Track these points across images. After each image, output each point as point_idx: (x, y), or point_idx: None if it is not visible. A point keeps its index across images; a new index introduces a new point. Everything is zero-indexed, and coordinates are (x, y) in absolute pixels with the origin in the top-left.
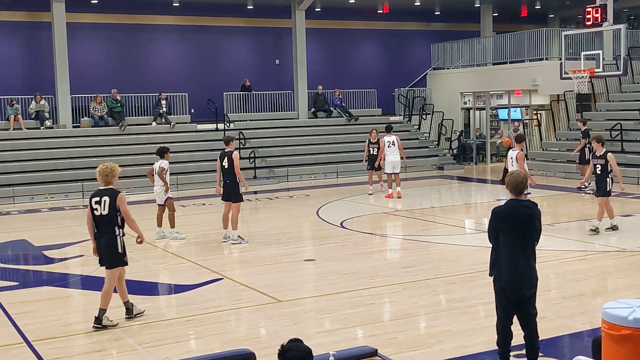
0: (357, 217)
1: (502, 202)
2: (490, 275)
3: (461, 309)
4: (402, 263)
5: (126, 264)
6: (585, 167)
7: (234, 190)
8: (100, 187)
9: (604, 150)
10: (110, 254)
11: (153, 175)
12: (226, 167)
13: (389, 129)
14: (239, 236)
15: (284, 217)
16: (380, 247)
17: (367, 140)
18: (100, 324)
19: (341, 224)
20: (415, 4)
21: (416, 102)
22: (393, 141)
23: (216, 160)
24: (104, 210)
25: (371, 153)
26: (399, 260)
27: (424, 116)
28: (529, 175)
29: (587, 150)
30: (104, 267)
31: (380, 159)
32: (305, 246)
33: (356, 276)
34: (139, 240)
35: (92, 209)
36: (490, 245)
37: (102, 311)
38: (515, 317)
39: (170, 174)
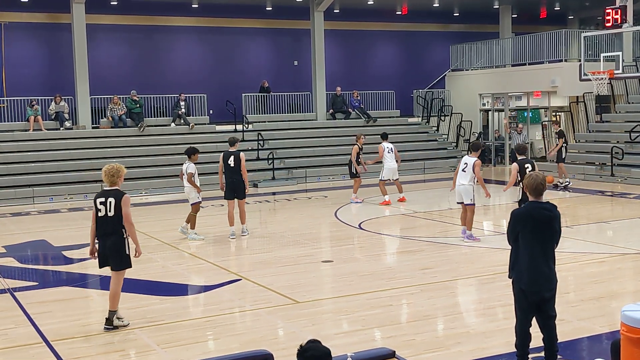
0: (375, 218)
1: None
2: (510, 277)
3: (479, 310)
4: (420, 264)
5: (130, 266)
6: (563, 166)
7: (241, 188)
8: (105, 188)
9: None
10: (118, 255)
11: (182, 176)
12: (232, 165)
13: (384, 137)
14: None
15: (302, 218)
16: (398, 249)
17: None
18: (111, 325)
19: (359, 225)
20: (434, 5)
21: (435, 104)
22: (391, 148)
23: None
24: (109, 211)
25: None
26: (417, 261)
27: (442, 118)
28: (483, 184)
29: (563, 149)
30: (108, 268)
31: (363, 165)
32: (323, 247)
33: (374, 277)
34: (136, 255)
35: (97, 210)
36: (510, 247)
37: (112, 312)
38: (534, 319)
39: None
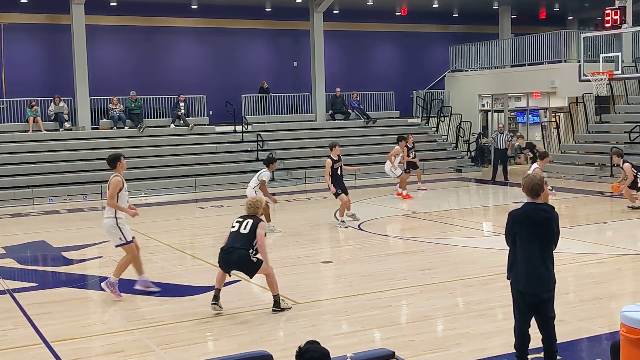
0: (374, 219)
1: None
2: (508, 278)
3: (479, 311)
4: (419, 265)
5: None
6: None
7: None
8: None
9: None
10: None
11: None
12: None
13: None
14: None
15: (301, 219)
16: (398, 250)
17: (405, 149)
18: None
19: (359, 226)
20: (434, 6)
21: (434, 105)
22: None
23: (233, 162)
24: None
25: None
26: (416, 262)
27: (442, 118)
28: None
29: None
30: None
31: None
32: (323, 248)
33: (374, 278)
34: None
35: None
36: (508, 248)
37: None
38: (533, 320)
39: (188, 175)
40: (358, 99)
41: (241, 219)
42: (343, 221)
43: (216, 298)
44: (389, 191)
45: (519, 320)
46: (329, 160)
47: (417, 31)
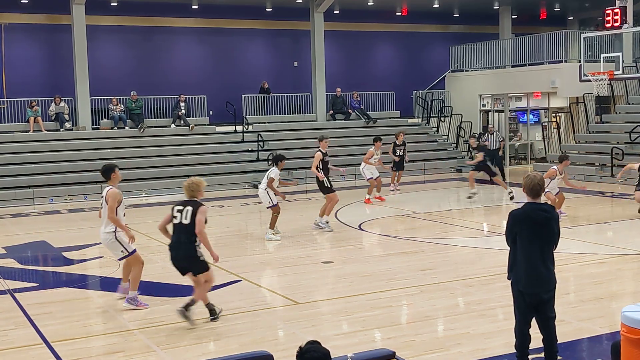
0: (375, 219)
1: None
2: (509, 278)
3: (479, 311)
4: (420, 265)
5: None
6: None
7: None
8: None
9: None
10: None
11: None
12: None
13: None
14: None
15: (302, 219)
16: (398, 250)
17: (392, 143)
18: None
19: (359, 226)
20: (434, 6)
21: (435, 105)
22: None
23: (234, 162)
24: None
25: (397, 155)
26: (417, 262)
27: (442, 118)
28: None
29: (489, 164)
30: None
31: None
32: (323, 248)
33: (374, 278)
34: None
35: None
36: (508, 248)
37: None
38: (533, 320)
39: (189, 176)
40: (359, 99)
41: (181, 207)
42: (327, 222)
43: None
44: (389, 192)
45: (519, 321)
46: (319, 152)
47: (418, 31)
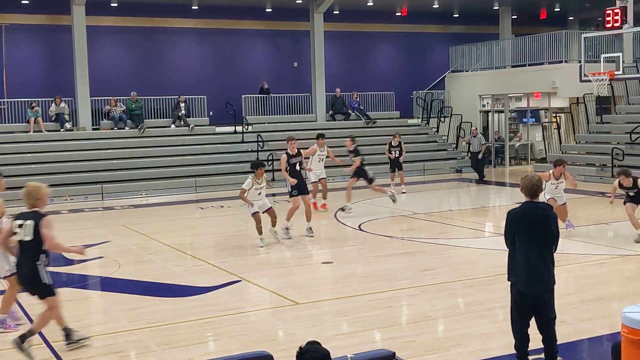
0: (375, 219)
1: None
2: (509, 279)
3: (480, 312)
4: (420, 266)
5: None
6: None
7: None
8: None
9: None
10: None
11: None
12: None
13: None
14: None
15: (302, 219)
16: (398, 250)
17: (388, 144)
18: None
19: (359, 226)
20: (434, 6)
21: (434, 105)
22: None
23: (234, 162)
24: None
25: (394, 156)
26: (417, 263)
27: (442, 119)
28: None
29: (366, 170)
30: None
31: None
32: (323, 249)
33: (374, 279)
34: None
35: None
36: (508, 249)
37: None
38: (533, 320)
39: (189, 176)
40: (358, 99)
41: (21, 220)
42: (287, 228)
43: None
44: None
45: (518, 322)
46: (284, 155)
47: (418, 32)
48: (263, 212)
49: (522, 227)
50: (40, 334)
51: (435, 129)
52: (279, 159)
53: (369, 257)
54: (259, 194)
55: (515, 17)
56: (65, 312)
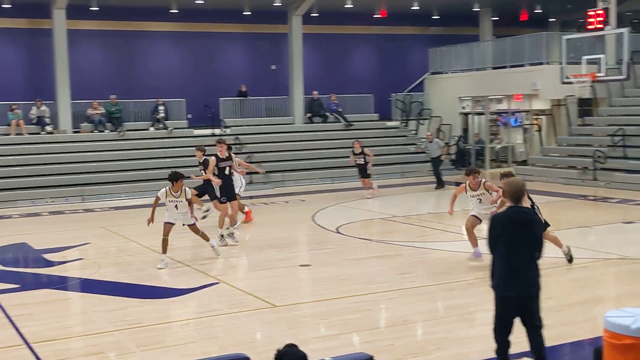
0: (353, 222)
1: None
2: (492, 286)
3: (460, 316)
4: (399, 269)
5: None
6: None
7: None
8: None
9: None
10: None
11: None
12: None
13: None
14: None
15: (279, 222)
16: (377, 253)
17: (351, 151)
18: None
19: (337, 229)
20: (413, 8)
21: (413, 107)
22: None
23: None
24: None
25: (357, 163)
26: (395, 266)
27: (421, 121)
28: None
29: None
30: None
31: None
32: (301, 251)
33: (352, 282)
34: None
35: None
36: (490, 254)
37: None
38: (518, 326)
39: (166, 179)
40: (337, 101)
41: None
42: (222, 235)
43: None
44: (367, 194)
45: (500, 327)
46: (213, 158)
47: (396, 33)
48: (183, 225)
49: (505, 230)
50: (21, 336)
51: (415, 131)
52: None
53: (347, 260)
54: (175, 206)
55: (496, 18)
56: (45, 314)
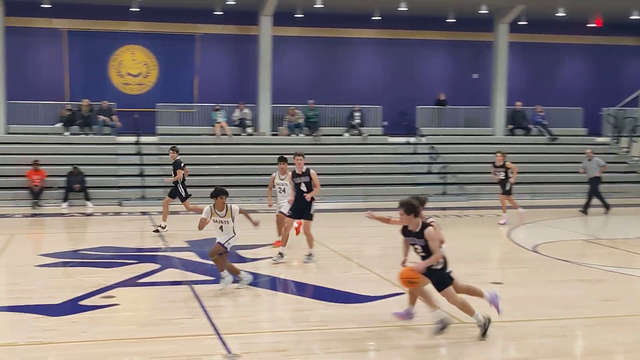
0: (552, 242)
1: None
2: None
3: None
4: (600, 295)
5: None
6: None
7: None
8: None
9: None
10: None
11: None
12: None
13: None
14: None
15: (471, 236)
16: (576, 276)
17: (492, 163)
18: None
19: (534, 248)
20: (631, 17)
21: (627, 123)
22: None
23: (405, 173)
24: None
25: (497, 177)
26: (596, 291)
27: (634, 138)
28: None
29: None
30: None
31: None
32: (493, 268)
33: (547, 304)
34: None
35: None
36: None
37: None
38: None
39: (359, 184)
40: (542, 113)
41: None
42: (281, 253)
43: None
44: (571, 213)
45: None
46: (289, 173)
47: (610, 44)
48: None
49: None
50: (213, 326)
51: (627, 149)
52: (418, 171)
53: (543, 281)
54: (220, 228)
55: None
56: (235, 307)
